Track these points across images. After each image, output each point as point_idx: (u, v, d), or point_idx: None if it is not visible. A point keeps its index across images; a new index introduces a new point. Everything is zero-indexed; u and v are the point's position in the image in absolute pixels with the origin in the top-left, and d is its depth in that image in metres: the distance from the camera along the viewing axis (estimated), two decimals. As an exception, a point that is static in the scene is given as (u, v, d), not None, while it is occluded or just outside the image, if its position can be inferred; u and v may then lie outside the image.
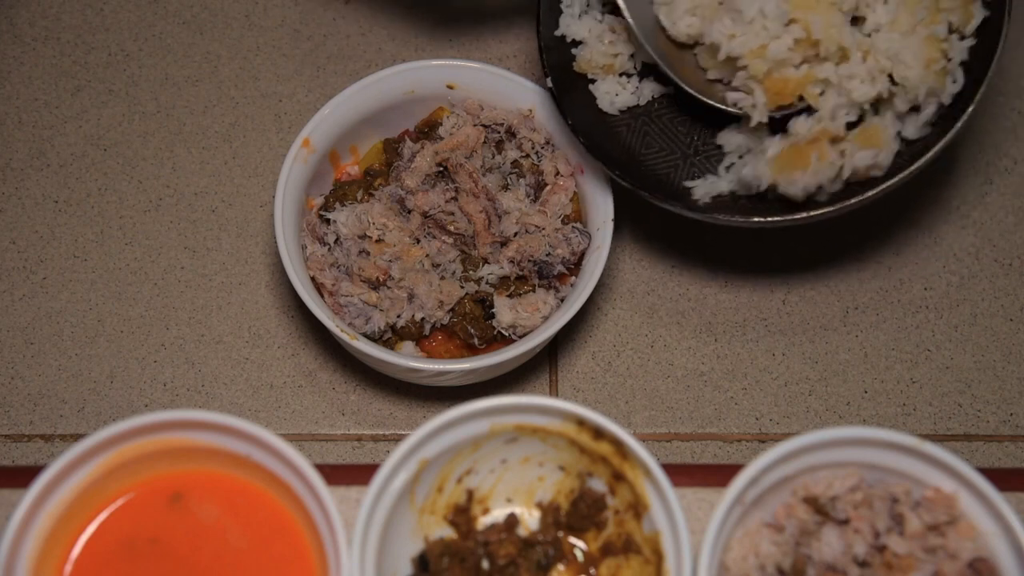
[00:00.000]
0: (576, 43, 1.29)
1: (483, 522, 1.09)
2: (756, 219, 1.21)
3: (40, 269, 1.38)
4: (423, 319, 1.25)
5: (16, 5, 1.48)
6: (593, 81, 1.29)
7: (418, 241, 1.28)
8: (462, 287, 1.26)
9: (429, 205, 1.27)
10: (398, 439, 1.31)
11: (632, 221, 1.40)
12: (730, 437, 1.33)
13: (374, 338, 1.25)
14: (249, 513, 1.05)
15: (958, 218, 1.40)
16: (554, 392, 1.34)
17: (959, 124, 1.17)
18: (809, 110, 1.20)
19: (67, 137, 1.43)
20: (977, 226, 1.40)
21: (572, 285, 1.27)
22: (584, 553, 1.08)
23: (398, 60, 1.40)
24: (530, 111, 1.31)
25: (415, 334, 1.26)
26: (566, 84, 1.27)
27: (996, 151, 1.44)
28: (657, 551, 1.02)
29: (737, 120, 1.24)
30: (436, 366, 1.23)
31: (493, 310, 1.25)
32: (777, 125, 1.21)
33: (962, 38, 1.19)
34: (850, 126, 1.20)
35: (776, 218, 1.21)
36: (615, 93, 1.28)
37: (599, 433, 1.04)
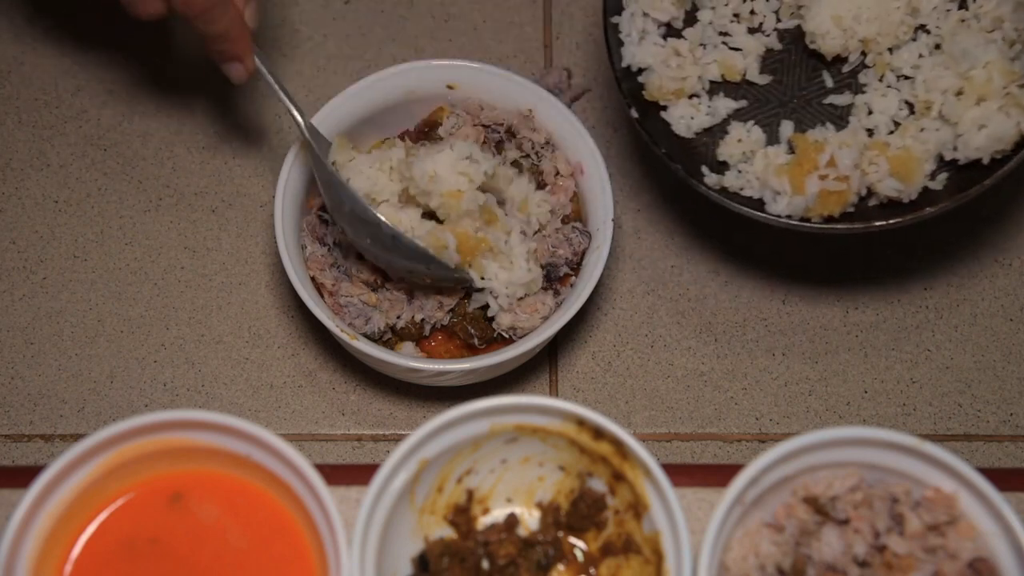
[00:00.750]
0: (641, 70, 1.27)
1: (483, 522, 1.09)
2: (877, 223, 1.22)
3: (40, 269, 1.38)
4: (423, 320, 1.25)
5: (16, 5, 1.47)
6: (665, 108, 1.27)
7: (418, 241, 1.28)
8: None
9: (429, 205, 1.27)
10: (398, 439, 1.31)
11: (632, 221, 1.40)
12: (730, 437, 1.33)
13: (374, 338, 1.25)
14: (249, 513, 1.05)
15: (958, 218, 1.40)
16: (554, 392, 1.34)
17: None
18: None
19: (67, 137, 1.43)
20: (977, 226, 1.40)
21: (572, 285, 1.27)
22: (584, 553, 1.08)
23: (398, 60, 1.40)
24: (530, 111, 1.31)
25: (415, 334, 1.26)
26: (640, 114, 1.26)
27: (996, 151, 1.43)
28: (657, 551, 1.02)
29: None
30: (436, 366, 1.23)
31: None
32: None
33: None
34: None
35: (893, 220, 1.22)
36: (690, 116, 1.26)
37: (599, 433, 1.04)
